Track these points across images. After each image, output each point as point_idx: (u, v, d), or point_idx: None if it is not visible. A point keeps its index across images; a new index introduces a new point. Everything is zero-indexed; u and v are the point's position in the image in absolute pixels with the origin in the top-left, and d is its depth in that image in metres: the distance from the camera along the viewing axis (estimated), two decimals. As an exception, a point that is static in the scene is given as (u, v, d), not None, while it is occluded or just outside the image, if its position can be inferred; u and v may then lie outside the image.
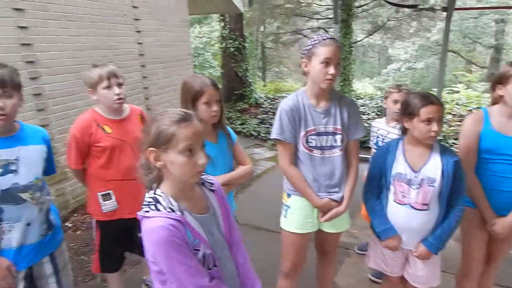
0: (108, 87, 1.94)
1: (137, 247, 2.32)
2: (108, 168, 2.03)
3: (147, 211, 1.13)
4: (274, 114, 8.85)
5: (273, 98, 9.73)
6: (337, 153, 1.81)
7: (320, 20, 13.16)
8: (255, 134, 7.05)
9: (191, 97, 1.76)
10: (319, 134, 1.79)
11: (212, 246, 1.20)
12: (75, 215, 3.80)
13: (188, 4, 6.05)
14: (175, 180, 1.15)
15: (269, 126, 7.46)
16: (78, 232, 3.50)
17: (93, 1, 3.98)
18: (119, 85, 1.98)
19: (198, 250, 1.15)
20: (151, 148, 1.11)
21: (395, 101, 2.47)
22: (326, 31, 12.01)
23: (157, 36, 5.19)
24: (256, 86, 10.26)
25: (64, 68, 3.67)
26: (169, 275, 1.12)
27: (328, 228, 1.92)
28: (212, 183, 1.33)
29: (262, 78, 18.07)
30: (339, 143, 1.80)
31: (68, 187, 3.81)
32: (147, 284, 2.52)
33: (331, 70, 1.66)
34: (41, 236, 1.65)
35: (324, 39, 1.68)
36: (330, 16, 11.79)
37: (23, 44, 3.23)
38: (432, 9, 8.37)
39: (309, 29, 13.82)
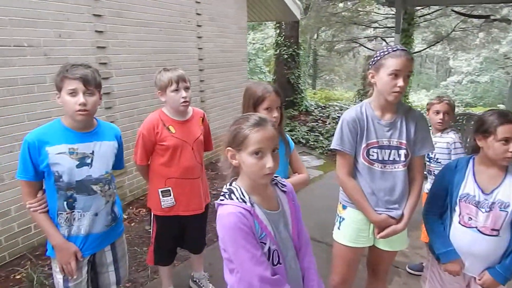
0: (176, 90, 2.06)
1: (188, 244, 2.45)
2: (169, 166, 2.15)
3: (222, 200, 1.23)
4: (323, 122, 8.80)
5: (324, 106, 9.62)
6: (399, 168, 1.75)
7: (378, 29, 12.79)
8: (304, 141, 7.01)
9: (253, 102, 1.81)
10: (381, 147, 1.74)
11: (278, 243, 1.25)
12: (130, 207, 4.03)
13: (247, 11, 6.24)
14: (248, 177, 1.25)
15: (318, 134, 7.38)
16: (132, 224, 3.71)
17: (162, 8, 4.24)
18: (186, 88, 2.09)
19: (265, 243, 1.21)
20: (228, 147, 1.22)
21: (437, 112, 2.51)
22: (384, 40, 11.64)
23: (216, 42, 5.38)
24: (306, 94, 10.21)
25: (132, 70, 3.94)
26: (234, 261, 1.19)
27: (383, 245, 1.86)
28: (284, 185, 1.39)
29: (312, 85, 17.95)
30: (402, 158, 1.74)
31: (126, 181, 4.06)
32: (195, 281, 2.60)
33: (400, 82, 1.61)
34: (106, 227, 1.77)
35: (394, 50, 1.64)
36: (389, 25, 11.41)
37: (98, 47, 3.52)
38: (507, 20, 7.75)
39: (365, 37, 13.48)
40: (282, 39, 9.03)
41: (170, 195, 2.18)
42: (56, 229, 1.67)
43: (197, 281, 2.59)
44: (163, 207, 2.19)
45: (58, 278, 1.72)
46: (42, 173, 1.62)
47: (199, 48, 5.02)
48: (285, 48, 8.98)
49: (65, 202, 1.64)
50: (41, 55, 3.02)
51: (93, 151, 1.68)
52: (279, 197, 1.35)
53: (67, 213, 1.65)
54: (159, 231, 2.28)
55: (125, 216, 3.84)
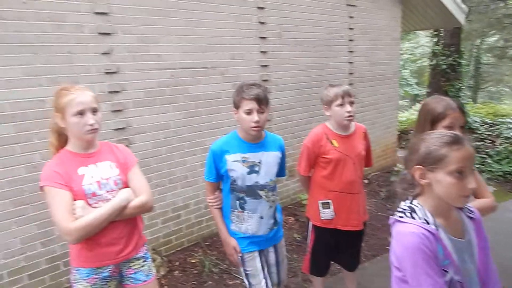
0: (341, 104, 2.11)
1: (343, 259, 2.43)
2: (331, 179, 2.20)
3: (401, 217, 1.19)
4: (492, 142, 7.47)
5: (492, 123, 8.17)
6: None
7: None
8: (466, 163, 6.08)
9: (431, 118, 1.70)
10: None
11: (462, 274, 1.14)
12: (280, 214, 4.28)
13: (400, 21, 5.90)
14: (436, 198, 1.17)
15: (484, 156, 6.32)
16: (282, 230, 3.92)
17: (317, 26, 4.44)
18: (351, 103, 2.13)
19: (447, 272, 1.12)
20: (418, 166, 1.17)
21: None
22: None
23: (367, 55, 5.27)
24: (468, 108, 8.89)
25: (288, 86, 4.24)
26: (412, 283, 1.13)
27: None
28: (472, 211, 1.27)
29: (473, 98, 15.49)
30: None
31: (278, 189, 4.32)
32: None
33: None
34: (268, 230, 1.96)
35: None
36: None
37: (262, 66, 3.93)
38: None
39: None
40: (440, 48, 8.16)
41: (330, 208, 2.23)
42: (225, 225, 1.96)
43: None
44: (322, 218, 2.25)
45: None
46: (222, 176, 1.91)
47: (349, 63, 5.02)
48: (443, 57, 8.08)
49: (237, 202, 1.90)
50: (219, 75, 3.56)
51: (260, 160, 1.88)
52: (465, 224, 1.23)
53: (238, 212, 1.91)
54: (316, 241, 2.34)
55: (275, 222, 4.10)
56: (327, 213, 2.24)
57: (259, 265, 1.95)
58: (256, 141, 1.89)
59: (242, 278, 2.03)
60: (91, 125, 1.54)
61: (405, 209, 1.20)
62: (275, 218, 2.01)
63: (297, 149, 4.39)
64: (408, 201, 1.23)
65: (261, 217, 1.92)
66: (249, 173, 1.85)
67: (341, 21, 4.75)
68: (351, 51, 4.99)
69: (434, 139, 1.16)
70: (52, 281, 2.76)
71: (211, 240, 3.62)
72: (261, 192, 1.89)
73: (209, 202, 2.01)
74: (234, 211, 1.92)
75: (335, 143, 2.19)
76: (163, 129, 3.25)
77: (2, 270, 2.54)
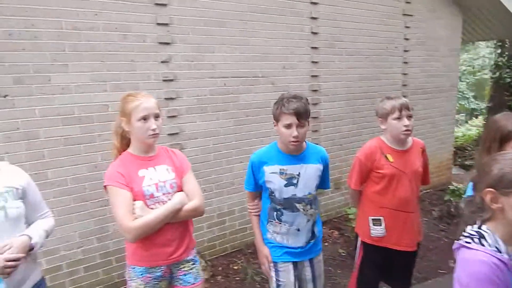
0: (399, 118, 2.02)
1: (393, 280, 2.31)
2: (383, 195, 2.11)
3: (469, 242, 1.11)
4: None
5: None
6: None
7: None
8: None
9: (500, 136, 1.59)
10: None
11: None
12: (324, 227, 4.16)
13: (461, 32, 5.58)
14: (509, 224, 1.09)
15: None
16: (326, 244, 3.82)
17: (371, 36, 4.33)
18: (409, 117, 2.03)
19: None
20: (489, 189, 1.09)
21: None
22: None
23: (423, 66, 5.04)
24: (535, 126, 8.13)
25: (338, 97, 4.16)
26: None
27: None
28: None
29: (540, 115, 14.11)
30: None
31: (322, 201, 4.25)
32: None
33: None
34: (305, 243, 1.91)
35: None
36: None
37: (312, 76, 3.90)
38: None
39: None
40: (505, 60, 7.59)
41: (381, 225, 2.13)
42: (260, 232, 1.97)
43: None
44: (372, 235, 2.16)
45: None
46: (260, 186, 1.90)
47: (403, 74, 4.82)
48: (508, 70, 7.50)
49: (275, 213, 1.88)
50: (269, 84, 3.59)
51: (299, 173, 1.83)
52: None
53: (276, 222, 1.89)
54: (364, 258, 2.25)
55: (318, 234, 4.01)
56: (378, 230, 2.14)
57: (292, 278, 1.90)
58: (295, 153, 1.85)
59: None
60: (153, 130, 1.62)
61: (473, 235, 1.12)
62: (313, 231, 1.95)
63: (344, 161, 4.31)
64: (476, 226, 1.14)
65: (298, 230, 1.88)
66: (286, 185, 1.82)
67: (396, 31, 4.60)
68: (405, 62, 4.80)
69: (509, 160, 1.08)
70: (104, 275, 2.92)
71: (254, 248, 3.59)
72: (298, 205, 1.85)
73: (248, 209, 2.04)
74: (271, 221, 1.91)
75: (390, 158, 2.09)
76: (213, 135, 3.34)
77: (62, 261, 2.73)
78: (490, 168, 1.11)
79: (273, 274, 1.93)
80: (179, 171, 1.75)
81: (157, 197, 1.65)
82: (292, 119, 1.70)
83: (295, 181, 1.83)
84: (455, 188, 4.68)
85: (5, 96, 2.39)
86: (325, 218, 4.31)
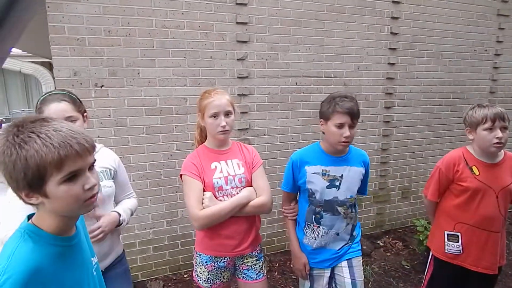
0: (491, 129, 1.85)
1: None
2: (464, 210, 1.96)
3: None
4: None
5: None
6: None
7: None
8: None
9: None
10: None
11: None
12: (387, 236, 4.00)
13: None
14: None
15: None
16: (388, 254, 3.66)
17: (457, 38, 3.99)
18: (504, 129, 1.85)
19: None
20: None
21: None
22: None
23: (517, 72, 4.51)
24: None
25: (414, 101, 3.92)
26: None
27: None
28: None
29: None
30: None
31: (388, 209, 4.06)
32: None
33: None
34: (342, 246, 1.87)
35: None
36: None
37: (388, 78, 3.73)
38: None
39: None
40: None
41: (458, 242, 1.98)
42: (296, 237, 1.92)
43: None
44: (446, 252, 2.02)
45: (301, 280, 1.96)
46: (298, 187, 1.87)
47: (492, 80, 4.37)
48: None
49: (313, 216, 1.84)
50: (341, 85, 3.52)
51: (342, 175, 1.79)
52: None
53: (314, 226, 1.84)
54: (434, 275, 2.11)
55: (381, 244, 3.85)
56: (453, 247, 1.99)
57: (325, 285, 1.88)
58: (339, 154, 1.81)
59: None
60: (223, 127, 1.69)
61: None
62: (352, 235, 1.90)
63: (414, 169, 4.06)
64: None
65: (337, 234, 1.84)
66: (328, 187, 1.78)
67: (487, 33, 4.18)
68: (496, 67, 4.34)
69: None
70: (170, 257, 3.14)
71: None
72: (339, 208, 1.80)
73: (284, 212, 1.99)
74: (309, 224, 1.85)
75: (475, 170, 1.93)
76: (281, 133, 3.37)
77: (135, 239, 2.99)
78: None
79: (307, 281, 1.90)
80: (249, 166, 1.80)
81: (226, 190, 1.72)
82: (346, 119, 1.67)
83: (337, 183, 1.79)
84: (546, 211, 4.13)
85: (101, 86, 2.68)
86: (388, 227, 4.12)
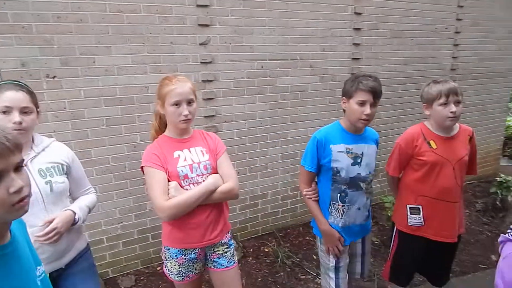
0: (445, 104, 1.90)
1: (430, 273, 2.23)
2: (424, 183, 2.02)
3: None
4: None
5: None
6: None
7: None
8: None
9: None
10: None
11: None
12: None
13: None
14: None
15: None
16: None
17: (420, 16, 4.06)
18: (457, 103, 1.90)
19: None
20: None
21: None
22: None
23: (476, 49, 4.66)
24: None
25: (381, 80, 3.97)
26: None
27: None
28: None
29: None
30: None
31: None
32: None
33: None
34: (363, 221, 1.98)
35: None
36: None
37: (353, 59, 3.75)
38: None
39: None
40: None
41: (420, 214, 2.05)
42: (323, 216, 1.94)
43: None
44: (409, 224, 2.08)
45: (324, 257, 2.03)
46: (321, 166, 1.90)
47: (453, 57, 4.50)
48: None
49: (338, 195, 1.88)
50: (307, 67, 3.50)
51: (362, 152, 1.88)
52: None
53: (339, 205, 1.89)
54: (399, 248, 2.18)
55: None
56: (415, 219, 2.07)
57: (347, 259, 2.01)
58: (359, 132, 1.88)
59: (314, 273, 2.01)
60: (185, 115, 1.63)
61: None
62: (368, 211, 2.00)
63: (382, 147, 4.13)
64: None
65: (359, 209, 1.92)
66: (353, 164, 1.84)
67: (448, 11, 4.27)
68: (456, 45, 4.47)
69: None
70: (141, 250, 3.08)
71: (285, 232, 3.64)
72: (362, 184, 1.89)
73: (306, 194, 1.98)
74: (334, 203, 1.90)
75: (433, 144, 1.98)
76: (249, 119, 3.33)
77: (103, 235, 2.90)
78: None
79: (332, 258, 1.97)
80: (213, 153, 1.76)
81: (192, 178, 1.67)
82: (368, 97, 1.72)
83: (359, 160, 1.86)
84: (503, 180, 4.37)
85: (53, 77, 2.51)
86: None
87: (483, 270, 3.08)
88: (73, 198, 1.68)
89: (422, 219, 2.05)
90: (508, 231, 1.09)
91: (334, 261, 1.97)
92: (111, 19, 2.61)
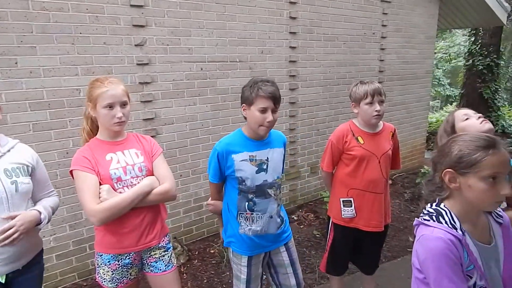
0: (371, 103, 2.07)
1: (361, 261, 2.40)
2: (353, 177, 2.18)
3: (427, 220, 1.17)
4: (528, 148, 7.12)
5: (528, 128, 7.77)
6: None
7: None
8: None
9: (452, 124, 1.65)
10: None
11: (487, 280, 1.12)
12: (300, 210, 4.28)
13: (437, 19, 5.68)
14: (465, 202, 1.14)
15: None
16: (302, 227, 3.92)
17: (349, 22, 4.34)
18: (381, 102, 2.09)
19: (471, 277, 1.10)
20: (448, 169, 1.13)
21: None
22: None
23: (400, 53, 5.12)
24: (505, 111, 8.48)
25: (315, 82, 4.19)
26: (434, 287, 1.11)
27: None
28: (500, 215, 1.23)
29: (509, 101, 14.76)
30: None
31: (299, 185, 4.33)
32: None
33: None
34: (277, 228, 1.90)
35: None
36: None
37: (290, 61, 3.90)
38: None
39: None
40: (477, 48, 7.79)
41: (351, 206, 2.20)
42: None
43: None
44: (343, 216, 2.23)
45: (236, 269, 1.93)
46: (225, 177, 1.84)
47: (380, 60, 4.89)
48: (480, 58, 7.72)
49: (246, 203, 1.82)
50: (247, 69, 3.57)
51: (267, 158, 1.82)
52: (493, 229, 1.19)
53: (247, 213, 1.83)
54: (335, 240, 2.32)
55: (295, 218, 4.10)
56: (348, 212, 2.21)
57: (260, 269, 1.93)
58: (262, 138, 1.83)
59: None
60: (119, 118, 1.60)
61: (431, 212, 1.17)
62: (281, 216, 1.94)
63: (320, 145, 4.37)
64: (434, 204, 1.20)
65: (271, 217, 1.86)
66: (257, 171, 1.79)
67: (374, 18, 4.63)
68: (382, 49, 4.86)
69: (467, 142, 1.11)
70: (78, 262, 2.91)
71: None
72: (270, 191, 1.83)
73: (210, 209, 2.00)
74: (242, 213, 1.83)
75: (360, 139, 2.15)
76: (190, 121, 3.31)
77: (35, 247, 2.68)
78: (450, 149, 1.14)
79: (245, 268, 1.88)
80: (149, 155, 1.73)
81: (125, 180, 1.63)
82: (269, 103, 1.67)
83: (265, 167, 1.81)
84: (426, 171, 4.85)
85: (-33, 79, 2.28)
86: (301, 201, 4.40)
87: (411, 253, 3.38)
88: (35, 201, 1.65)
89: (354, 210, 2.20)
90: (421, 215, 1.22)
91: (246, 273, 1.89)
92: (34, 17, 2.44)
